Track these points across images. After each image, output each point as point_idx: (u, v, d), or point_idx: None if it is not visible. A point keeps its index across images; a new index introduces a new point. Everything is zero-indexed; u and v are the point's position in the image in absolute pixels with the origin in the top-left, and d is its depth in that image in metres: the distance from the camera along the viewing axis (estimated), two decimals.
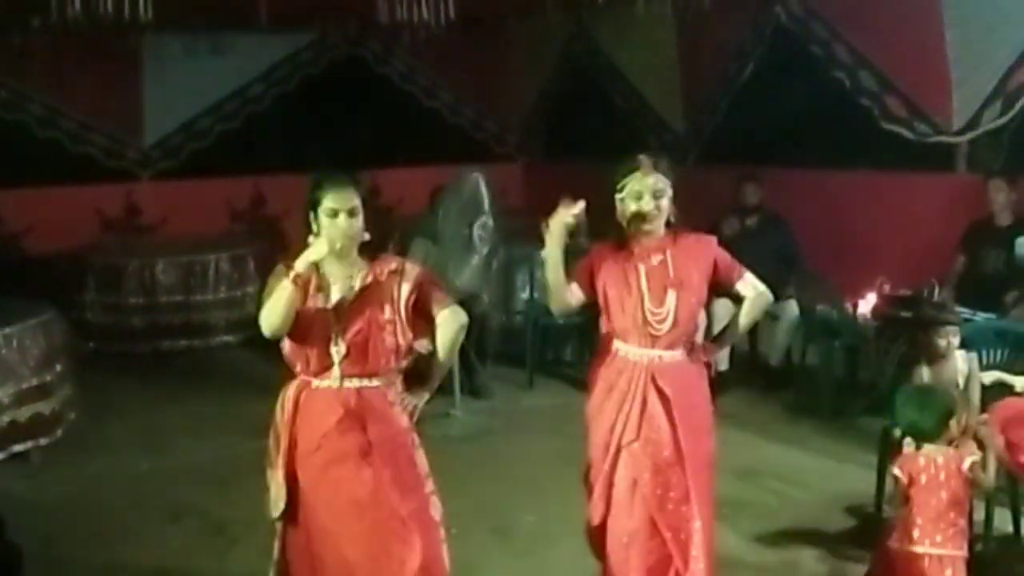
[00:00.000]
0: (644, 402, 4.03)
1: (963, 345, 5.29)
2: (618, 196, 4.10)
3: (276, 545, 3.95)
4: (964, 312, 6.03)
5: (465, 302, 7.61)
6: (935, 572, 4.23)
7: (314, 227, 3.80)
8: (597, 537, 4.19)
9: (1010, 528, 5.26)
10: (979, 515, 5.09)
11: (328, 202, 3.74)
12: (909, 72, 8.03)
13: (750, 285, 4.22)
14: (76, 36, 8.72)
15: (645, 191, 4.03)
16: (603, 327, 4.19)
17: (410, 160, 11.73)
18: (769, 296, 4.27)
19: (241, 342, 9.97)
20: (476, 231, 7.41)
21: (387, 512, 3.76)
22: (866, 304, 6.84)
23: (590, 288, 4.15)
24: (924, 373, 5.15)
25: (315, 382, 3.81)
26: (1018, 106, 7.39)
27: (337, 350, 3.75)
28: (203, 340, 10.03)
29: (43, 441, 6.94)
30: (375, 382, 3.83)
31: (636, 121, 10.95)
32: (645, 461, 4.03)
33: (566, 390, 8.23)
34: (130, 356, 9.65)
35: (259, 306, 3.78)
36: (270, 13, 8.58)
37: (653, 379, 4.04)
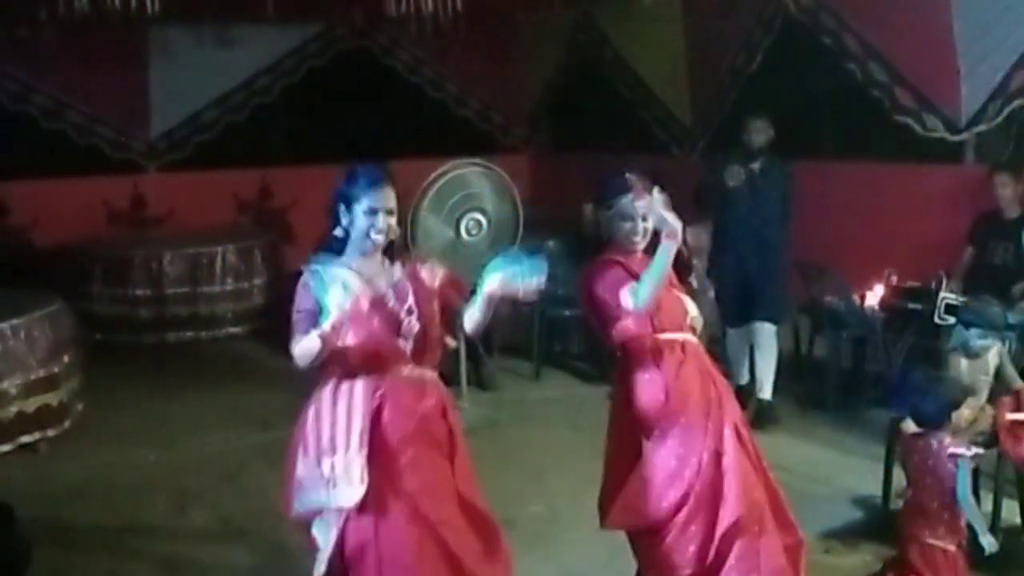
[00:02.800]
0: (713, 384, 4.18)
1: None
2: (606, 212, 4.18)
3: (329, 538, 3.64)
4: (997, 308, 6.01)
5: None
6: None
7: (343, 220, 3.72)
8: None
9: (1018, 520, 5.25)
10: (987, 507, 5.09)
11: (368, 201, 3.67)
12: (918, 64, 8.00)
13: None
14: (83, 28, 8.73)
15: (636, 215, 4.11)
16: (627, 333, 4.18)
17: (417, 152, 11.70)
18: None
19: (248, 333, 10.00)
20: (467, 221, 7.32)
21: (470, 504, 3.76)
22: (874, 296, 6.81)
23: None
24: (961, 365, 5.17)
25: (392, 372, 3.71)
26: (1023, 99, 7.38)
27: (404, 341, 3.71)
28: (210, 332, 10.06)
29: (51, 432, 6.96)
30: (433, 373, 3.83)
31: (643, 113, 10.93)
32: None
33: (573, 382, 8.24)
34: (137, 347, 9.68)
35: (288, 318, 3.70)
36: (277, 5, 8.56)
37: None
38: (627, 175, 4.14)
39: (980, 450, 4.46)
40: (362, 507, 3.58)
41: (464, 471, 3.83)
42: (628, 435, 4.18)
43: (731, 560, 3.98)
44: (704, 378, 4.14)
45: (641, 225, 4.10)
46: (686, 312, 4.22)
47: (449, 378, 7.53)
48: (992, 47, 7.46)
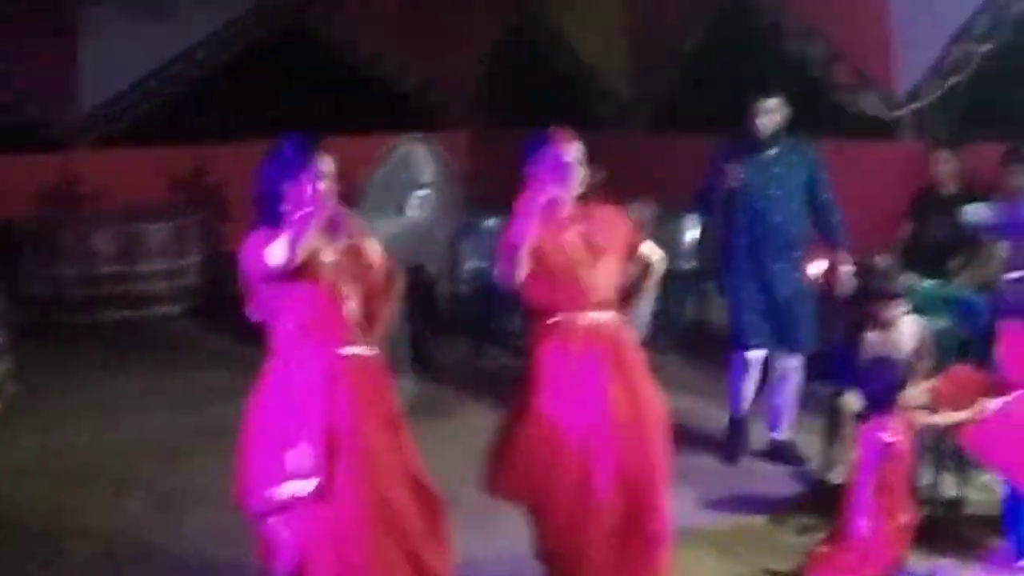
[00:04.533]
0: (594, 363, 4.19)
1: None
2: (534, 166, 4.21)
3: (291, 532, 3.64)
4: (909, 278, 6.07)
5: (411, 271, 7.63)
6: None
7: (281, 194, 3.67)
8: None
9: (955, 493, 5.32)
10: (926, 480, 5.16)
11: (324, 165, 3.68)
12: (856, 41, 8.06)
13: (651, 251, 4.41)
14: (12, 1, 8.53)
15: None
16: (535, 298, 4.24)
17: (355, 129, 11.59)
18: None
19: (183, 313, 9.87)
20: (412, 199, 7.28)
21: (419, 482, 3.80)
22: (814, 268, 6.83)
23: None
24: (872, 338, 5.19)
25: (345, 348, 3.70)
26: (960, 76, 7.45)
27: (350, 315, 3.69)
28: (144, 311, 9.92)
29: None
30: (373, 348, 3.80)
31: (582, 89, 10.91)
32: None
33: (512, 360, 8.21)
34: (69, 328, 9.51)
35: (224, 298, 3.66)
36: None
37: None
38: (550, 129, 4.19)
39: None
40: (319, 494, 3.57)
41: (410, 447, 3.85)
42: (522, 403, 4.23)
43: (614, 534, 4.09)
44: (585, 356, 4.12)
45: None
46: (594, 291, 4.17)
47: (390, 356, 7.52)
48: (928, 24, 7.53)
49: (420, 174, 7.22)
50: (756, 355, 6.14)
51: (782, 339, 6.05)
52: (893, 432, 4.51)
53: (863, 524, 4.52)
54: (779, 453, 6.13)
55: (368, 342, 3.77)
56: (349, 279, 3.70)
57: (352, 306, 3.70)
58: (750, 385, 6.24)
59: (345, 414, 3.64)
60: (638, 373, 4.22)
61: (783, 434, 6.19)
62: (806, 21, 8.37)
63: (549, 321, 4.17)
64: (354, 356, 3.72)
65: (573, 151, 4.15)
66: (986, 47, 7.35)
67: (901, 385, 4.50)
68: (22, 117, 10.91)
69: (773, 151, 6.04)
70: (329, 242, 3.72)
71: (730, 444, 6.23)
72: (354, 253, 3.75)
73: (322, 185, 3.66)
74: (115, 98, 11.29)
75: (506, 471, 4.28)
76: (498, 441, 4.35)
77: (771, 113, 6.05)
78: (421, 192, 7.19)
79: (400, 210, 7.15)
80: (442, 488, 5.09)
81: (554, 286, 4.14)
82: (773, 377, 6.20)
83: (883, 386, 4.51)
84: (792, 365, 6.12)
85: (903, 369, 4.68)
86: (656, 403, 4.22)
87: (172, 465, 6.18)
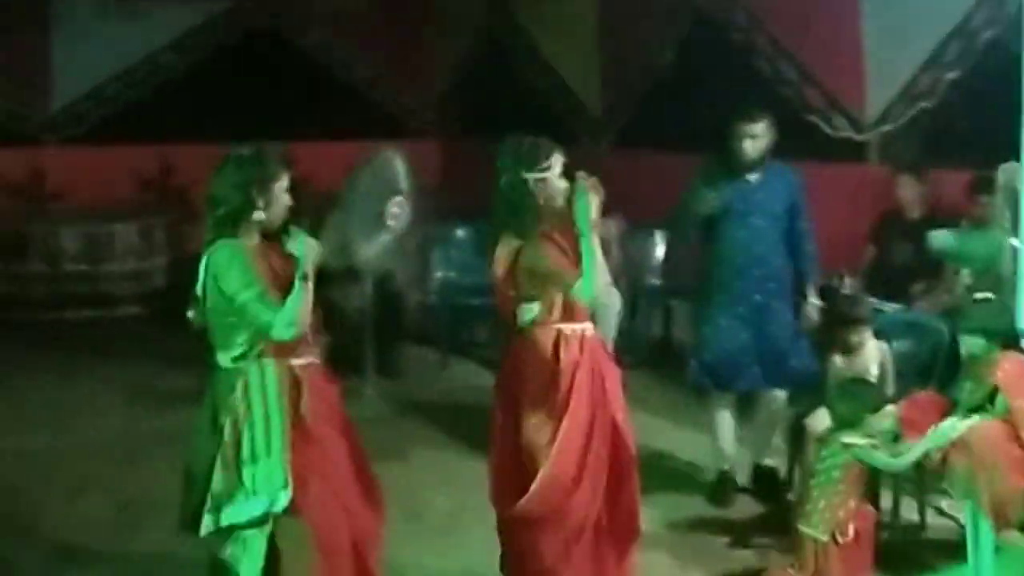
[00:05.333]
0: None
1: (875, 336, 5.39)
2: (504, 176, 4.23)
3: (254, 552, 3.65)
4: (873, 302, 6.11)
5: (380, 281, 7.62)
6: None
7: (259, 202, 3.67)
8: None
9: (916, 517, 5.36)
10: (887, 503, 5.19)
11: (283, 177, 3.70)
12: (827, 63, 8.11)
13: None
14: None
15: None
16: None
17: (324, 134, 11.57)
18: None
19: (148, 314, 9.80)
20: (390, 209, 7.29)
21: (368, 478, 3.83)
22: None
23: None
24: (838, 363, 5.25)
25: (296, 359, 3.71)
26: (928, 101, 7.52)
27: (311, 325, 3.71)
28: (109, 311, 9.86)
29: None
30: (317, 355, 3.82)
31: (553, 102, 10.93)
32: None
33: (480, 371, 8.21)
34: (32, 326, 9.43)
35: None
36: None
37: None
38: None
39: (873, 442, 4.56)
40: (293, 508, 3.60)
41: (359, 450, 3.90)
42: (501, 419, 4.24)
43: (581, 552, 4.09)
44: (567, 369, 4.12)
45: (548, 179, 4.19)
46: (572, 300, 4.16)
47: (355, 365, 7.51)
48: (899, 49, 7.59)
49: (397, 182, 7.23)
50: (729, 398, 5.88)
51: (768, 376, 5.72)
52: None
53: None
54: (762, 479, 5.91)
55: (315, 351, 3.78)
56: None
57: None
58: (733, 430, 5.93)
59: (304, 423, 3.66)
60: (613, 383, 4.25)
61: (767, 459, 5.96)
62: (777, 42, 8.42)
63: (527, 331, 4.17)
64: (305, 365, 3.73)
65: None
66: (955, 73, 7.42)
67: (874, 410, 4.56)
68: None
69: (756, 177, 5.69)
70: (279, 252, 3.74)
71: (721, 491, 5.86)
72: (290, 261, 3.74)
73: (271, 199, 3.68)
74: (85, 96, 11.26)
75: (506, 482, 4.25)
76: (492, 456, 4.36)
77: (757, 138, 5.64)
78: (397, 200, 7.20)
79: (380, 218, 7.15)
80: (405, 501, 5.11)
81: (536, 296, 4.14)
82: (758, 407, 5.94)
83: (854, 411, 4.56)
84: (779, 397, 5.87)
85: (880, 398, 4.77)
86: (626, 413, 4.26)
87: (132, 467, 6.14)
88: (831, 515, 4.50)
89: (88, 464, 6.26)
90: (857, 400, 4.61)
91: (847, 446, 4.52)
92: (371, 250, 7.34)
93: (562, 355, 4.13)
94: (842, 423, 4.61)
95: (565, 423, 4.07)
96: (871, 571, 4.65)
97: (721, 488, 5.87)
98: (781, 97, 8.33)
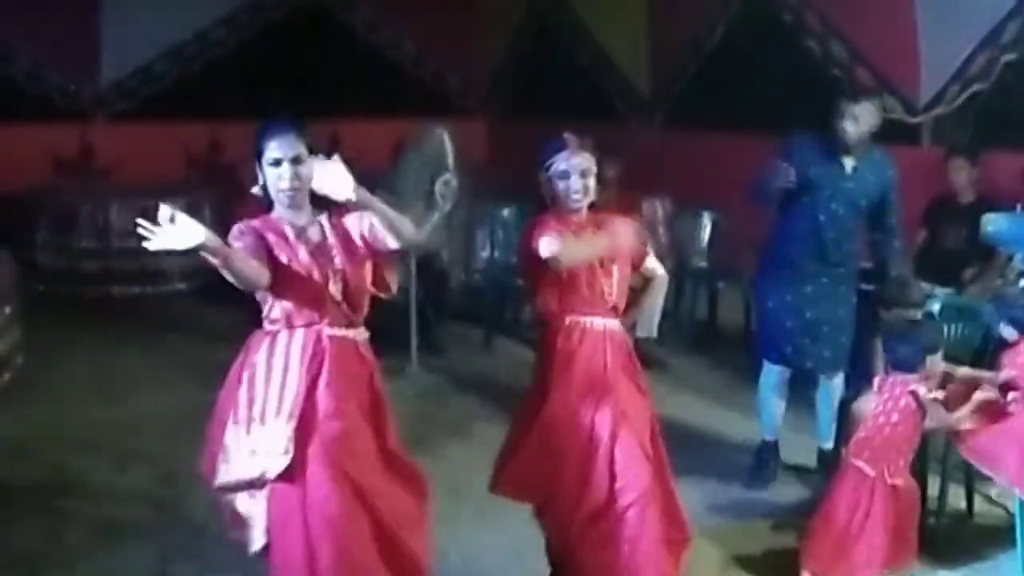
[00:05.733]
0: (605, 368, 4.14)
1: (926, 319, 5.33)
2: (544, 174, 4.14)
3: (262, 508, 3.64)
4: (924, 286, 6.03)
5: (425, 259, 7.62)
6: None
7: (259, 177, 3.67)
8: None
9: (963, 504, 5.29)
10: (933, 491, 5.13)
11: (271, 151, 3.59)
12: (879, 44, 8.02)
13: (656, 265, 4.42)
14: None
15: (572, 171, 4.08)
16: (549, 301, 4.19)
17: (371, 112, 11.59)
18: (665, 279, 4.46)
19: (195, 290, 9.85)
20: (439, 188, 7.32)
21: (399, 461, 3.76)
22: None
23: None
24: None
25: (329, 330, 3.64)
26: (982, 83, 7.41)
27: (335, 297, 3.64)
28: (156, 287, 9.92)
29: None
30: (360, 331, 3.77)
31: (602, 81, 10.89)
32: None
33: (523, 350, 8.19)
34: (81, 301, 9.52)
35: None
36: None
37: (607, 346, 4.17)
38: (564, 135, 4.11)
39: (939, 395, 4.54)
40: (290, 476, 3.55)
41: (393, 436, 3.82)
42: (532, 404, 4.23)
43: (608, 539, 4.04)
44: (594, 364, 4.12)
45: (579, 182, 4.08)
46: (607, 297, 4.17)
47: (399, 342, 7.52)
48: (954, 30, 7.49)
49: (446, 161, 7.26)
50: (786, 372, 5.75)
51: (830, 359, 5.63)
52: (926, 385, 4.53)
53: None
54: (826, 462, 5.75)
55: (353, 324, 3.73)
56: (336, 260, 3.67)
57: (337, 287, 3.66)
58: (782, 404, 5.84)
59: (322, 396, 3.61)
60: (637, 381, 4.24)
61: (828, 443, 5.84)
62: (828, 22, 8.33)
63: (559, 324, 4.16)
64: (336, 337, 3.68)
65: (580, 162, 4.09)
66: (1010, 55, 7.30)
67: (932, 351, 4.56)
68: (42, 87, 10.93)
69: (851, 163, 5.44)
70: (314, 222, 3.71)
71: (760, 469, 5.82)
72: (339, 237, 3.71)
73: (284, 170, 3.60)
74: (135, 72, 11.36)
75: (512, 470, 4.27)
76: (508, 441, 4.36)
77: (860, 119, 5.33)
78: (446, 178, 7.22)
79: (430, 195, 7.18)
80: (449, 479, 5.11)
81: (568, 290, 4.12)
82: (820, 389, 5.82)
83: (913, 351, 4.54)
84: (839, 382, 5.77)
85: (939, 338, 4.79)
86: (651, 411, 4.26)
87: (177, 442, 6.15)
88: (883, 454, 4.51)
89: (134, 439, 6.30)
90: (916, 341, 4.60)
91: (913, 395, 4.51)
92: (426, 231, 7.38)
93: (559, 344, 4.14)
94: (900, 365, 4.58)
95: (544, 413, 4.12)
96: (911, 548, 4.61)
97: (763, 459, 5.83)
98: (832, 78, 8.24)
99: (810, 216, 5.45)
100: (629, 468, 4.05)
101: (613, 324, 4.20)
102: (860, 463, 4.54)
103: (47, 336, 7.90)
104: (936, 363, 4.59)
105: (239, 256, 3.43)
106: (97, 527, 5.18)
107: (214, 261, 3.35)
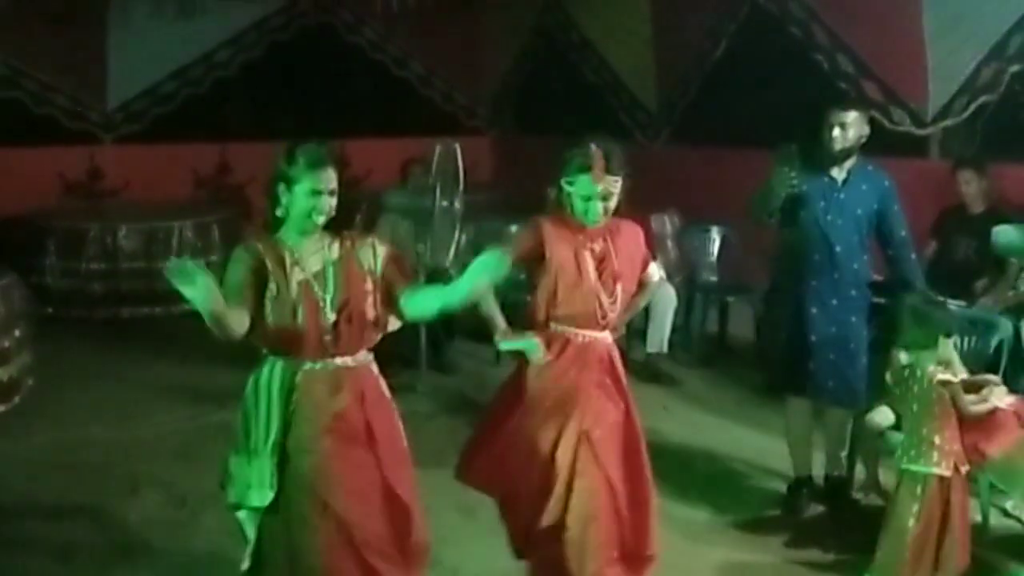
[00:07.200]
0: (578, 386, 4.16)
1: None
2: (566, 185, 4.15)
3: (251, 533, 3.71)
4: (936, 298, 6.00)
5: (432, 276, 7.61)
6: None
7: (282, 199, 3.62)
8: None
9: (979, 518, 5.25)
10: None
11: (310, 183, 3.56)
12: (886, 56, 8.01)
13: (653, 271, 4.44)
14: None
15: (594, 197, 4.09)
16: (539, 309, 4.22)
17: (378, 131, 11.61)
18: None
19: None
20: (454, 203, 7.36)
21: (393, 494, 3.70)
22: None
23: (539, 261, 4.19)
24: (902, 358, 5.14)
25: (307, 363, 3.63)
26: (990, 94, 7.40)
27: (327, 325, 3.61)
28: (165, 308, 9.88)
29: (0, 408, 6.80)
30: (362, 358, 3.74)
31: (608, 98, 10.89)
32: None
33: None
34: (90, 322, 9.52)
35: (221, 283, 3.54)
36: None
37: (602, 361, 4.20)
38: (591, 150, 4.09)
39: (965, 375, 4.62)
40: (275, 507, 3.60)
41: (392, 458, 3.74)
42: (506, 401, 4.28)
43: (559, 559, 4.07)
44: (567, 380, 4.13)
45: (599, 206, 4.10)
46: (603, 312, 4.16)
47: (408, 361, 7.51)
48: (961, 41, 7.48)
49: (458, 178, 7.28)
50: (801, 400, 5.56)
51: (837, 391, 5.40)
52: None
53: None
54: (835, 490, 5.64)
55: (348, 353, 3.69)
56: (331, 287, 3.64)
57: (326, 318, 3.63)
58: (811, 435, 5.63)
59: (300, 432, 3.62)
60: (615, 396, 4.22)
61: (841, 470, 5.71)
62: (835, 35, 8.32)
63: (543, 334, 4.16)
64: (316, 372, 3.64)
65: (606, 186, 4.09)
66: (1017, 66, 7.29)
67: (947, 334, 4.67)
68: (49, 109, 10.95)
69: (840, 173, 5.38)
70: (320, 249, 3.69)
71: (797, 501, 5.61)
72: (345, 263, 3.70)
73: (322, 202, 3.60)
74: (142, 94, 11.37)
75: (481, 462, 4.34)
76: (478, 430, 4.45)
77: (847, 128, 5.33)
78: (459, 196, 7.26)
79: (446, 212, 7.21)
80: (458, 497, 5.09)
81: (560, 302, 4.14)
82: (827, 417, 5.64)
83: (927, 332, 4.59)
84: (841, 419, 5.61)
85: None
86: (633, 423, 4.24)
87: (188, 464, 6.15)
88: (948, 448, 4.48)
89: (144, 461, 6.28)
90: (932, 323, 4.61)
91: (944, 383, 4.52)
92: (451, 253, 7.40)
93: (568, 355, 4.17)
94: (916, 345, 4.59)
95: (515, 419, 4.18)
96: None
97: (799, 492, 5.64)
98: (839, 91, 8.23)
99: (809, 230, 5.34)
100: (582, 496, 4.06)
101: (601, 338, 4.20)
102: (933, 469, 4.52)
103: (57, 358, 7.89)
104: (950, 348, 4.65)
105: (223, 311, 3.46)
106: (107, 550, 5.17)
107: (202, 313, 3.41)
